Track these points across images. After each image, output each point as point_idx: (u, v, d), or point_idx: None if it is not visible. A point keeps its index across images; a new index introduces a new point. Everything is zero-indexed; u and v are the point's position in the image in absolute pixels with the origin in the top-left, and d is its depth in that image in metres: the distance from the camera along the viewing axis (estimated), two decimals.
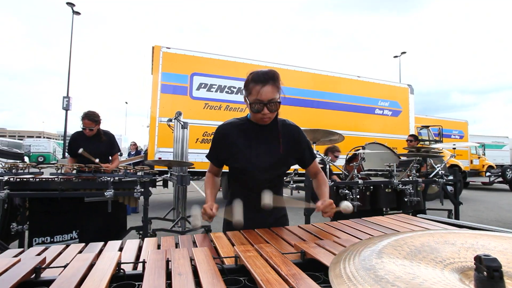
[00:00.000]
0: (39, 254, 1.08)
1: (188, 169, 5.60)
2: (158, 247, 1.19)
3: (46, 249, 1.15)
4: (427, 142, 10.09)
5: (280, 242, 1.21)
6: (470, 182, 13.85)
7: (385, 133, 9.15)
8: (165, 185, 7.73)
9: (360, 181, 3.33)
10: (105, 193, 2.64)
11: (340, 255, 0.62)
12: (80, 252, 1.12)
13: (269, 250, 0.98)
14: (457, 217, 3.92)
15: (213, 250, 1.13)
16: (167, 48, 7.07)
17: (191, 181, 13.46)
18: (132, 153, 8.97)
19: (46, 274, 0.90)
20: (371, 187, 3.46)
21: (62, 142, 30.26)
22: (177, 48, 7.22)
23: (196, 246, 1.19)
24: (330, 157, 4.64)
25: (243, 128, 1.52)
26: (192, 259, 0.94)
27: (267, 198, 1.37)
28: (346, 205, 1.38)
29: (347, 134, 3.64)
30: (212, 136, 6.24)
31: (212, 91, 7.40)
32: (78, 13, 19.94)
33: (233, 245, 1.17)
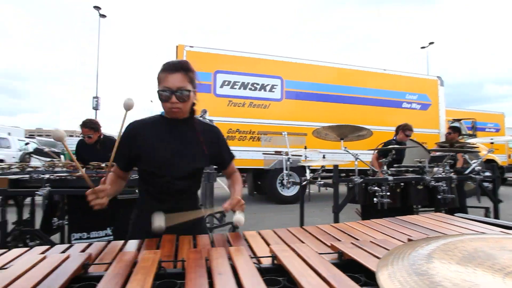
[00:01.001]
0: (83, 251, 1.13)
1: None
2: (194, 245, 1.22)
3: (89, 245, 1.20)
4: (459, 137, 9.64)
5: (315, 242, 1.21)
6: (508, 178, 13.12)
7: (414, 128, 8.83)
8: None
9: (390, 178, 3.24)
10: (136, 190, 2.74)
11: (386, 258, 0.61)
12: (121, 249, 1.16)
13: (306, 250, 0.98)
14: (496, 216, 3.73)
15: (248, 249, 1.15)
16: (190, 46, 7.17)
17: (218, 178, 13.67)
18: None
19: (92, 270, 0.94)
20: (402, 184, 3.36)
21: None
22: (200, 46, 7.31)
23: (230, 245, 1.21)
24: (400, 136, 4.50)
25: (156, 125, 1.39)
26: (229, 258, 0.96)
27: (158, 221, 1.23)
28: (238, 219, 1.32)
29: (374, 129, 3.54)
30: (235, 133, 6.28)
31: (236, 88, 7.44)
32: (104, 16, 20.67)
33: (267, 244, 1.18)
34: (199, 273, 0.84)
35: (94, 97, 28.29)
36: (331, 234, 1.31)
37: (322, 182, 3.42)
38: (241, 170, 8.84)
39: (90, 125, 3.47)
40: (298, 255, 0.95)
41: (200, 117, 4.83)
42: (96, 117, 28.88)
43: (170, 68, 1.31)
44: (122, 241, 1.24)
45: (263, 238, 1.27)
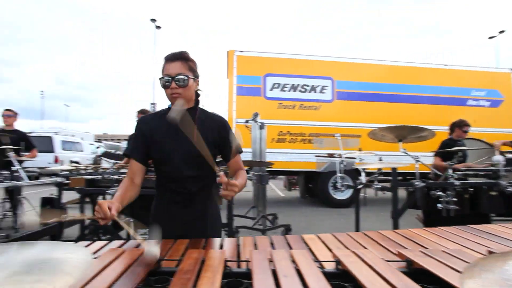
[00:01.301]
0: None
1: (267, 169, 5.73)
2: (255, 246, 1.24)
3: (159, 242, 1.29)
4: None
5: (379, 248, 1.16)
6: None
7: (483, 127, 8.00)
8: None
9: (456, 182, 2.98)
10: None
11: (470, 270, 0.57)
12: (187, 247, 1.22)
13: (371, 256, 0.95)
14: None
15: (309, 253, 1.14)
16: (240, 51, 7.34)
17: (269, 181, 13.77)
18: None
19: (163, 265, 1.00)
20: (471, 189, 3.06)
21: None
22: (250, 50, 7.44)
23: (291, 248, 1.21)
24: (456, 133, 4.21)
25: (163, 116, 1.41)
26: (292, 261, 0.96)
27: (175, 112, 1.17)
28: (149, 251, 0.97)
29: (435, 129, 3.28)
30: (286, 135, 6.24)
31: (285, 91, 7.44)
32: (159, 27, 22.09)
33: (328, 248, 1.16)
34: (265, 274, 0.86)
35: (151, 104, 30.37)
36: (395, 241, 1.24)
37: (379, 186, 3.26)
38: (292, 173, 8.73)
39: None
40: (364, 261, 0.92)
41: (252, 120, 4.93)
42: None
43: (170, 57, 1.39)
44: (188, 240, 1.30)
45: (323, 242, 1.26)
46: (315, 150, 7.14)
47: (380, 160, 3.65)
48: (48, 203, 4.41)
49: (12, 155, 3.78)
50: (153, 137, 1.43)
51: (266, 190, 4.58)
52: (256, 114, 4.66)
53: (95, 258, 1.00)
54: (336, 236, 1.33)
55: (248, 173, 4.72)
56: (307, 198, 8.48)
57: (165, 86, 1.36)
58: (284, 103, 7.43)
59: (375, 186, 3.25)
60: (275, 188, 11.02)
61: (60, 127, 20.69)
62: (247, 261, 0.99)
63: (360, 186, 3.52)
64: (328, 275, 0.88)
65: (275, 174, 8.67)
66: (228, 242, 1.28)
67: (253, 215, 5.02)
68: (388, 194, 3.17)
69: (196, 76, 1.43)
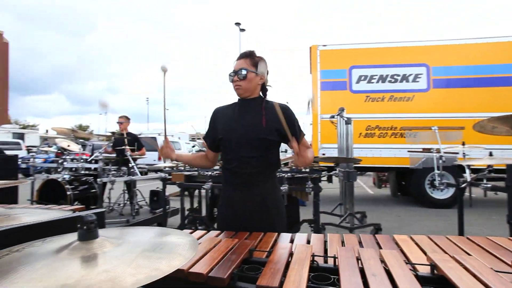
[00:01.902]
0: (247, 238, 1.30)
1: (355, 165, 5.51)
2: (342, 243, 1.24)
3: (250, 234, 1.36)
4: None
5: (487, 256, 1.03)
6: None
7: None
8: (329, 180, 7.88)
9: None
10: (281, 187, 2.97)
11: None
12: (275, 240, 1.28)
13: (476, 264, 0.86)
14: None
15: (400, 254, 1.09)
16: (323, 46, 7.17)
17: (357, 177, 13.15)
18: None
19: (255, 255, 1.08)
20: None
21: None
22: (333, 44, 7.21)
23: (381, 248, 1.17)
24: None
25: (232, 106, 1.65)
26: (382, 261, 0.94)
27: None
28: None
29: None
30: (374, 129, 5.86)
31: (373, 82, 6.98)
32: (243, 30, 23.07)
33: (423, 251, 1.09)
34: (352, 272, 0.86)
35: None
36: (510, 250, 1.08)
37: (489, 185, 2.82)
38: (382, 169, 8.14)
39: None
40: (466, 268, 0.84)
41: (337, 115, 4.80)
42: None
43: (238, 57, 1.61)
44: (276, 233, 1.36)
45: (416, 244, 1.18)
46: (408, 144, 6.54)
47: (491, 155, 3.14)
48: (155, 195, 5.12)
49: (129, 154, 4.48)
50: (218, 122, 1.65)
51: (354, 187, 4.41)
52: (342, 109, 4.52)
53: (199, 244, 1.15)
54: (432, 239, 1.23)
55: (334, 170, 4.62)
56: (399, 197, 7.83)
57: (231, 80, 1.59)
58: (372, 96, 6.99)
59: (484, 185, 2.83)
60: (364, 185, 10.47)
61: (162, 129, 23.50)
62: (335, 257, 1.00)
63: (464, 185, 3.10)
64: (421, 279, 0.83)
65: (363, 170, 8.23)
66: (316, 238, 1.30)
67: (340, 213, 4.90)
68: (501, 195, 2.72)
69: (259, 72, 1.55)
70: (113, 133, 4.93)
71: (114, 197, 5.09)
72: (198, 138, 4.96)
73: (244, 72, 1.54)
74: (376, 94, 6.94)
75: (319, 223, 3.22)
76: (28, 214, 0.95)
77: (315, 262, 0.98)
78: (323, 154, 6.92)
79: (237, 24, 23.59)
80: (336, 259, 0.98)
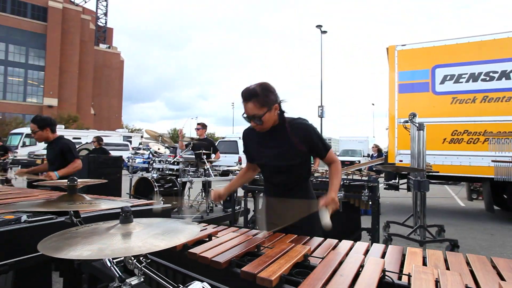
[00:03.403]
0: (305, 243, 1.34)
1: (430, 173, 5.10)
2: (423, 260, 1.15)
3: (309, 239, 1.43)
4: None
5: None
6: None
7: None
8: (409, 189, 7.32)
9: None
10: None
11: None
12: (334, 247, 1.29)
13: None
14: None
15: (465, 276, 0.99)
16: (402, 45, 6.73)
17: (446, 186, 11.79)
18: (375, 155, 9.15)
19: (310, 260, 1.12)
20: None
21: None
22: (413, 43, 6.70)
23: (471, 269, 1.06)
24: None
25: (258, 132, 1.69)
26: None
27: (325, 218, 1.44)
28: (326, 223, 1.40)
29: None
30: (462, 135, 5.32)
31: (462, 82, 6.25)
32: (325, 32, 22.79)
33: (500, 276, 0.98)
34: None
35: (319, 106, 31.62)
36: None
37: None
38: (474, 179, 7.22)
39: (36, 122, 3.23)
40: None
41: (409, 121, 4.51)
42: (321, 125, 31.82)
43: (243, 98, 1.58)
44: (336, 240, 1.38)
45: (495, 267, 1.07)
46: (508, 152, 5.66)
47: None
48: (227, 196, 5.59)
49: (204, 157, 5.03)
50: (249, 146, 1.85)
51: (428, 197, 4.09)
52: (413, 114, 4.25)
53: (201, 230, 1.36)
54: None
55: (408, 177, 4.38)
56: (496, 212, 6.78)
57: (248, 122, 1.65)
58: (460, 97, 6.26)
59: None
60: (455, 196, 9.32)
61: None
62: (409, 276, 0.94)
63: None
64: None
65: (448, 179, 7.39)
66: (392, 251, 1.23)
67: (413, 224, 4.58)
68: None
69: (271, 104, 1.57)
70: (192, 138, 5.57)
71: (194, 194, 5.75)
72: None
73: (259, 118, 1.56)
74: (466, 95, 6.20)
75: (377, 232, 3.15)
76: (104, 203, 1.31)
77: (387, 278, 0.94)
78: (400, 161, 6.49)
79: (318, 26, 23.50)
80: (411, 277, 0.91)
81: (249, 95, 1.57)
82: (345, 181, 3.07)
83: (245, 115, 1.61)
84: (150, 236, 0.84)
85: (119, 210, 0.93)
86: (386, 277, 0.93)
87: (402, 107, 6.64)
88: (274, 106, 1.60)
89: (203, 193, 5.55)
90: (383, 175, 7.59)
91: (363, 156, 20.72)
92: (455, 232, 5.03)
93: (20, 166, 7.48)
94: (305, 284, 0.87)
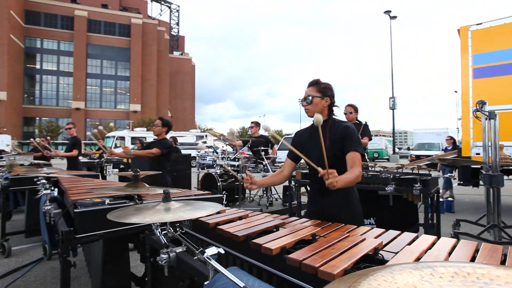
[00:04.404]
0: (377, 237, 1.26)
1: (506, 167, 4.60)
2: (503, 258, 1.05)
3: (384, 232, 1.35)
4: None
5: None
6: None
7: None
8: (475, 184, 6.49)
9: None
10: (386, 188, 2.98)
11: None
12: (410, 243, 1.19)
13: None
14: None
15: None
16: (476, 25, 6.05)
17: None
18: (449, 148, 8.34)
19: (382, 254, 1.05)
20: None
21: (391, 139, 32.92)
22: (491, 20, 5.96)
23: None
24: None
25: (307, 129, 1.98)
26: None
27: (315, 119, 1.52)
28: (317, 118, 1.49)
29: None
30: None
31: None
32: (394, 17, 21.27)
33: None
34: None
35: (390, 98, 29.59)
36: None
37: None
38: None
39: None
40: None
41: (479, 110, 4.11)
42: (393, 117, 29.80)
43: (308, 84, 1.91)
44: (415, 234, 1.30)
45: None
46: None
47: None
48: (287, 190, 5.79)
49: (262, 154, 5.32)
50: (298, 143, 1.98)
51: (500, 194, 3.69)
52: (482, 103, 3.87)
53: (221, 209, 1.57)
54: None
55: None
56: None
57: (302, 105, 1.92)
58: None
59: None
60: None
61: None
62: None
63: None
64: None
65: None
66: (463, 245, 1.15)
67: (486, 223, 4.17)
68: None
69: (325, 96, 1.84)
70: (250, 136, 5.89)
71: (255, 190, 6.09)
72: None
73: (310, 98, 1.85)
74: None
75: (434, 229, 3.02)
76: (159, 190, 1.65)
77: None
78: (477, 154, 5.86)
79: (387, 12, 22.09)
80: None
81: (312, 82, 1.92)
82: (396, 174, 3.00)
83: (301, 99, 1.92)
84: (180, 210, 1.10)
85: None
86: None
87: (477, 94, 5.99)
88: (326, 98, 1.86)
89: (263, 188, 5.85)
90: (455, 171, 6.92)
91: (442, 150, 18.74)
92: None
93: (112, 165, 8.82)
94: None
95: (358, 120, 4.25)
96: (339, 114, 2.00)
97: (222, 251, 1.00)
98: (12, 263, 3.47)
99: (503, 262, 1.02)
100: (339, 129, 1.82)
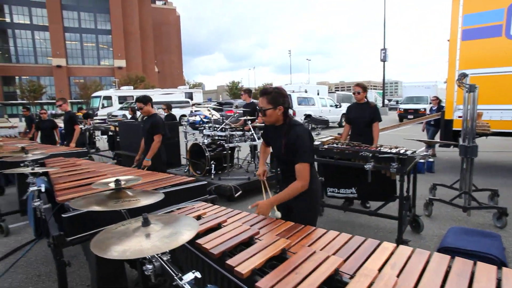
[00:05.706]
0: (339, 249, 1.37)
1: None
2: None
3: (348, 240, 1.47)
4: None
5: None
6: None
7: None
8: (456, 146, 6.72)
9: None
10: (365, 166, 3.12)
11: None
12: (369, 255, 1.30)
13: None
14: None
15: None
16: None
17: None
18: (434, 108, 8.46)
19: None
20: None
21: (382, 91, 32.82)
22: None
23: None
24: None
25: (273, 126, 2.05)
26: None
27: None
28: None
29: None
30: None
31: None
32: None
33: None
34: None
35: (381, 49, 28.97)
36: None
37: None
38: None
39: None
40: None
41: (461, 82, 4.13)
42: (384, 69, 29.38)
43: (259, 93, 2.01)
44: (377, 242, 1.41)
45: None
46: None
47: None
48: (272, 157, 5.94)
49: (249, 122, 5.35)
50: (267, 135, 2.26)
51: (473, 163, 3.88)
52: (463, 75, 3.89)
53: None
54: None
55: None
56: None
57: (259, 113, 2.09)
58: None
59: None
60: None
61: (301, 82, 24.17)
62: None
63: None
64: None
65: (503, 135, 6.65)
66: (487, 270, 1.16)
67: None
68: None
69: (277, 105, 1.91)
70: (236, 106, 5.88)
71: (243, 156, 6.24)
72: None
73: (264, 110, 1.93)
74: None
75: (405, 202, 3.24)
76: (145, 199, 1.72)
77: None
78: (460, 117, 6.00)
79: None
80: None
81: (263, 92, 1.98)
82: (375, 153, 3.12)
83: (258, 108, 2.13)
84: (160, 240, 1.19)
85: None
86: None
87: (464, 56, 5.95)
88: (278, 107, 1.92)
89: (250, 155, 5.99)
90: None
91: (430, 103, 18.86)
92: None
93: (101, 132, 8.78)
94: None
95: (366, 99, 4.23)
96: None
97: (199, 275, 1.12)
98: (12, 242, 3.63)
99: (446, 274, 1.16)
100: (293, 136, 1.91)
